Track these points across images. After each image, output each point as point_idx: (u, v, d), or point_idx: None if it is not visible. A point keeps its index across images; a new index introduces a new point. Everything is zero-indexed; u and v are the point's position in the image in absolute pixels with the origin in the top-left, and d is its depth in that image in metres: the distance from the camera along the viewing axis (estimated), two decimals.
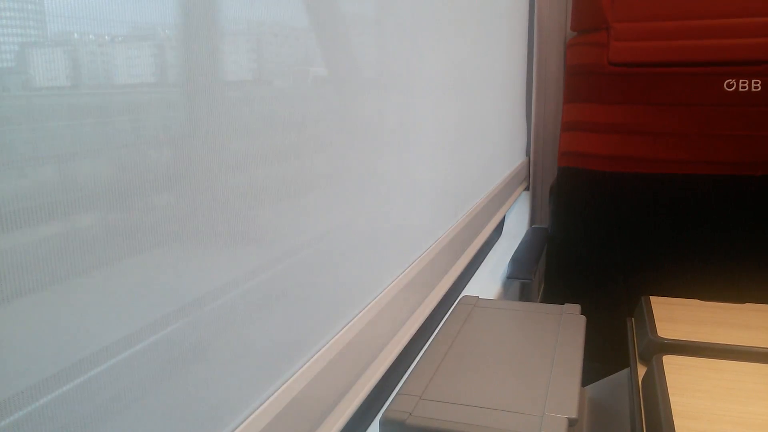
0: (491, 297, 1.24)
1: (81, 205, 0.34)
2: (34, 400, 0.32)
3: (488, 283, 1.38)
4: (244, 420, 0.49)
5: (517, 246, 1.58)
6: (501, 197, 1.52)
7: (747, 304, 1.01)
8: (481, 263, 1.53)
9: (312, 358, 0.60)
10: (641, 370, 0.86)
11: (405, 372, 0.89)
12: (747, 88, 1.51)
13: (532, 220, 1.94)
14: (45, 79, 0.31)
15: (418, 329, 0.88)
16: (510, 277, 1.38)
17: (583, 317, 0.96)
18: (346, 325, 0.67)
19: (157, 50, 0.39)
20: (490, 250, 1.66)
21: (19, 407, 0.31)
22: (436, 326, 1.04)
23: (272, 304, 0.53)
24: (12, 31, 0.29)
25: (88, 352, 0.35)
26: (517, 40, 1.67)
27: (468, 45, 1.11)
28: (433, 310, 0.95)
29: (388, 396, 0.85)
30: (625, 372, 1.02)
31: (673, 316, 0.97)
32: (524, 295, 1.66)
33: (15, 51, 0.30)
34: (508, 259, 1.47)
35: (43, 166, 0.31)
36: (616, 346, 1.55)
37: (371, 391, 0.72)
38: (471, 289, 1.34)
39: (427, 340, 0.98)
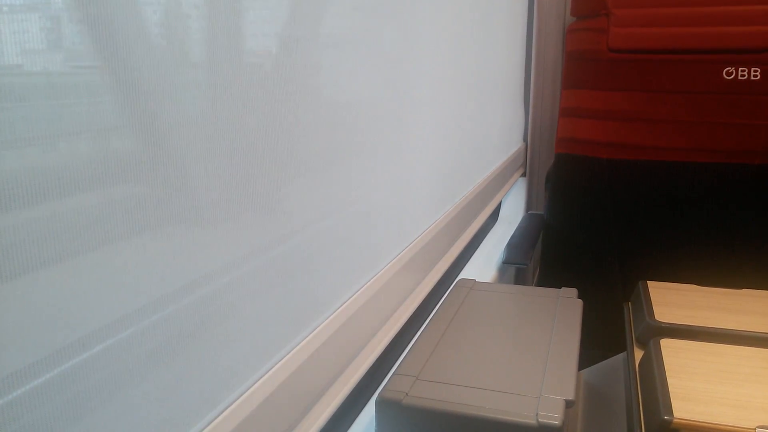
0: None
1: (74, 185, 0.33)
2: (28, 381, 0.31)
3: (484, 268, 1.38)
4: (239, 397, 0.49)
5: (513, 231, 1.58)
6: (498, 182, 1.52)
7: (743, 289, 1.01)
8: (477, 248, 1.52)
9: (308, 337, 0.59)
10: (638, 354, 0.86)
11: (402, 353, 0.89)
12: (746, 77, 1.51)
13: (529, 205, 1.93)
14: None
15: (415, 311, 0.88)
16: (506, 262, 1.38)
17: (580, 300, 0.96)
18: (343, 304, 0.67)
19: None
20: (486, 235, 1.66)
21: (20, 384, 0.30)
22: (433, 308, 1.04)
23: (268, 285, 0.52)
24: None
25: (73, 338, 0.34)
26: (517, 25, 1.65)
27: (467, 29, 1.10)
28: (429, 293, 0.95)
29: (385, 376, 0.84)
30: (620, 356, 1.02)
31: (670, 300, 0.97)
32: (519, 281, 1.66)
33: None
34: (504, 245, 1.47)
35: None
36: (611, 332, 1.55)
37: (367, 372, 0.71)
38: (467, 274, 1.34)
39: (424, 322, 0.98)
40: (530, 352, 0.79)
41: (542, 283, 1.68)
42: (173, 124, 0.40)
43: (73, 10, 0.32)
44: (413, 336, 0.96)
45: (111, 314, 0.36)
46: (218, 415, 0.46)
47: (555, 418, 0.65)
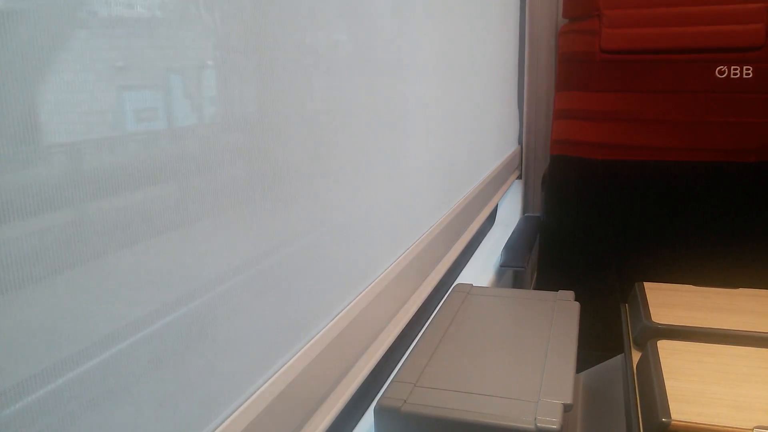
0: (484, 285, 1.24)
1: (71, 197, 0.33)
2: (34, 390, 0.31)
3: (481, 271, 1.38)
4: (238, 407, 0.49)
5: (510, 234, 1.58)
6: (494, 185, 1.52)
7: (740, 289, 1.01)
8: (474, 252, 1.52)
9: (306, 345, 0.59)
10: (636, 356, 0.87)
11: (399, 360, 0.89)
12: (738, 75, 1.51)
13: (525, 208, 1.94)
14: None
15: (413, 317, 0.88)
16: (503, 265, 1.38)
17: (577, 303, 0.96)
18: (340, 312, 0.67)
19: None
20: (483, 238, 1.66)
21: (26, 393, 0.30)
22: (431, 314, 1.04)
23: (265, 293, 0.52)
24: None
25: (81, 345, 0.34)
26: (509, 28, 1.66)
27: (459, 33, 1.11)
28: (427, 298, 0.95)
29: (383, 384, 0.84)
30: (618, 358, 1.02)
31: (667, 301, 0.97)
32: (517, 283, 1.66)
33: None
34: (501, 248, 1.47)
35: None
36: (609, 333, 1.55)
37: (366, 379, 0.71)
38: (464, 278, 1.34)
39: (422, 328, 0.98)
40: (528, 356, 0.79)
41: (540, 285, 1.68)
42: (164, 137, 0.40)
43: None
44: (411, 342, 0.96)
45: (110, 325, 0.36)
46: (219, 425, 0.46)
47: (553, 422, 0.65)
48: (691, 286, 1.03)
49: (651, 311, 0.93)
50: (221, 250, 0.46)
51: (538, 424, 0.65)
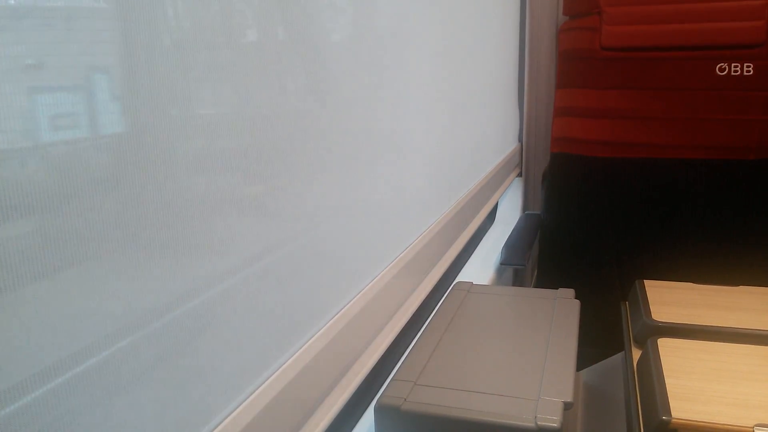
0: (485, 283, 1.24)
1: (64, 196, 0.33)
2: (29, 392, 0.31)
3: (481, 269, 1.38)
4: (238, 406, 0.49)
5: (510, 232, 1.58)
6: (494, 183, 1.52)
7: (740, 286, 1.01)
8: (474, 250, 1.52)
9: (306, 344, 0.59)
10: (636, 354, 0.87)
11: (400, 358, 0.89)
12: (739, 72, 1.51)
13: (525, 206, 1.93)
14: None
15: (413, 315, 0.88)
16: (503, 263, 1.38)
17: (577, 301, 0.96)
18: (340, 310, 0.67)
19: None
20: (483, 236, 1.66)
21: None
22: (431, 312, 1.04)
23: (265, 292, 0.52)
24: None
25: (76, 348, 0.34)
26: (510, 25, 1.66)
27: (459, 30, 1.10)
28: (427, 296, 0.95)
29: (383, 382, 0.84)
30: (619, 356, 1.02)
31: (667, 299, 0.97)
32: (517, 281, 1.66)
33: None
34: (501, 246, 1.47)
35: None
36: (609, 331, 1.55)
37: (366, 378, 0.71)
38: (464, 276, 1.34)
39: (422, 326, 0.98)
40: (528, 354, 0.79)
41: (540, 283, 1.68)
42: (158, 137, 0.40)
43: None
44: (411, 340, 0.96)
45: (108, 325, 0.36)
46: (219, 424, 0.46)
47: (554, 420, 0.65)
48: (691, 283, 1.03)
49: (651, 309, 0.93)
50: (220, 249, 0.46)
51: (539, 422, 0.65)
